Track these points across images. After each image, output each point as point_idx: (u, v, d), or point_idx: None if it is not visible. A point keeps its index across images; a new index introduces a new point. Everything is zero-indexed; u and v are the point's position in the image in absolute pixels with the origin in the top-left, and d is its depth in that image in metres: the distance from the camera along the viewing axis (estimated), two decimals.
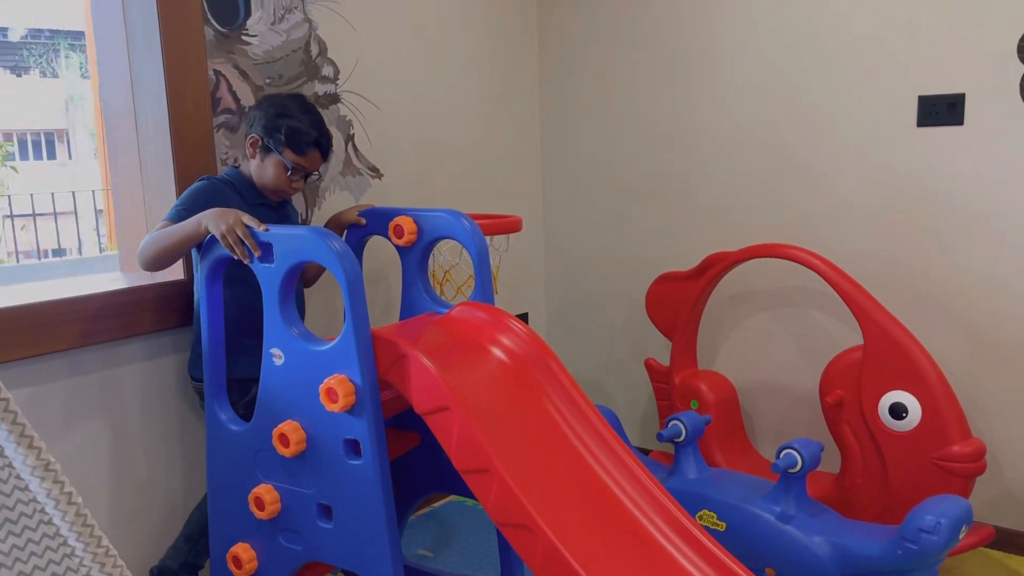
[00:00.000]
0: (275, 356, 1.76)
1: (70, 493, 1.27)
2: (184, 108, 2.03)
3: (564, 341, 3.24)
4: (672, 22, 2.79)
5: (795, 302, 2.69)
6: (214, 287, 1.86)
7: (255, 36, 2.22)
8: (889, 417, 2.26)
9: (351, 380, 1.66)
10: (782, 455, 2.09)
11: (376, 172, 2.58)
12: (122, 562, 1.33)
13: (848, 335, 2.49)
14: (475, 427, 1.59)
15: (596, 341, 3.16)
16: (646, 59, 2.86)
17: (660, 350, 2.86)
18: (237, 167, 2.04)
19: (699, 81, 2.77)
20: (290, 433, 1.73)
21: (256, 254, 1.73)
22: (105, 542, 1.32)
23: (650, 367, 2.78)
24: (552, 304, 3.27)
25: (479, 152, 2.94)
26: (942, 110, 2.38)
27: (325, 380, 1.67)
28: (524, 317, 3.20)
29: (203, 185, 1.94)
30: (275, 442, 1.75)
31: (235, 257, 1.75)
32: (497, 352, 1.87)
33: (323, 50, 2.40)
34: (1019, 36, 2.25)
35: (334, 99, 2.44)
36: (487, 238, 2.31)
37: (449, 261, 2.40)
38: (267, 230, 1.73)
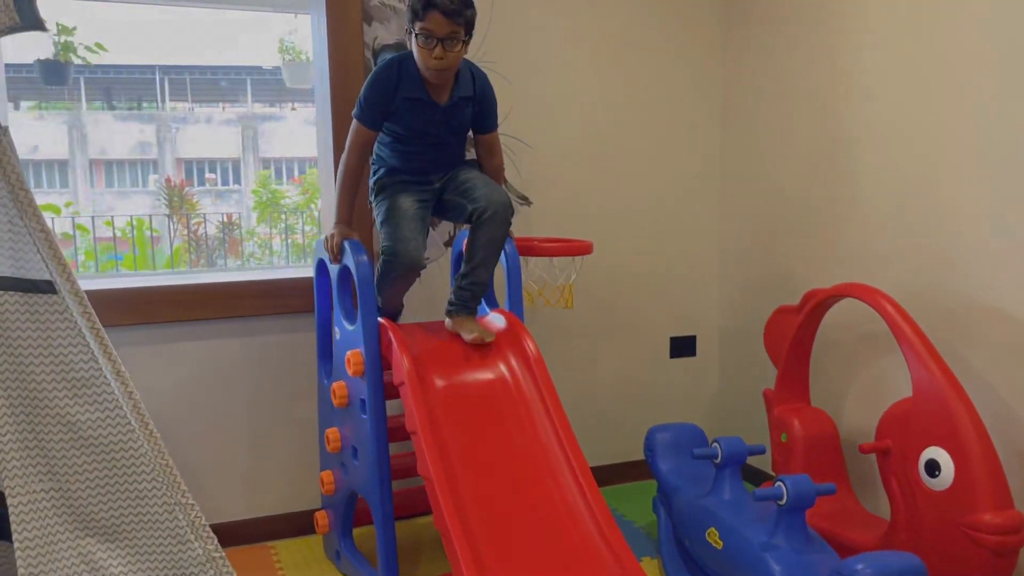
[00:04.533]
0: (336, 334, 2.41)
1: (132, 390, 2.07)
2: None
3: (733, 366, 3.37)
4: (832, 72, 2.82)
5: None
6: (323, 277, 2.56)
7: None
8: (925, 473, 2.15)
9: (361, 353, 2.23)
10: (774, 485, 2.16)
11: (525, 200, 3.07)
12: (161, 442, 2.09)
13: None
14: (417, 401, 2.07)
15: (763, 369, 3.22)
16: (814, 99, 2.92)
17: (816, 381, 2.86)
18: None
19: (852, 122, 2.74)
20: (337, 390, 2.36)
21: (336, 260, 2.38)
22: (153, 428, 2.09)
23: (765, 397, 2.84)
24: (726, 330, 3.41)
25: (650, 182, 3.26)
26: None
27: (347, 352, 2.27)
28: (691, 340, 3.41)
29: (377, 78, 2.29)
30: (331, 395, 2.39)
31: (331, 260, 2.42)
32: (499, 359, 2.30)
33: None
34: None
35: None
36: (562, 258, 2.70)
37: (542, 278, 2.81)
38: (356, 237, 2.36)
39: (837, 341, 2.81)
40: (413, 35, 2.20)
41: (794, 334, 2.66)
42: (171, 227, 4.51)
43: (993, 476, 2.03)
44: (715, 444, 2.43)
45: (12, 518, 1.96)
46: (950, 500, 2.08)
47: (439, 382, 2.19)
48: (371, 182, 2.49)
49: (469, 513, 1.93)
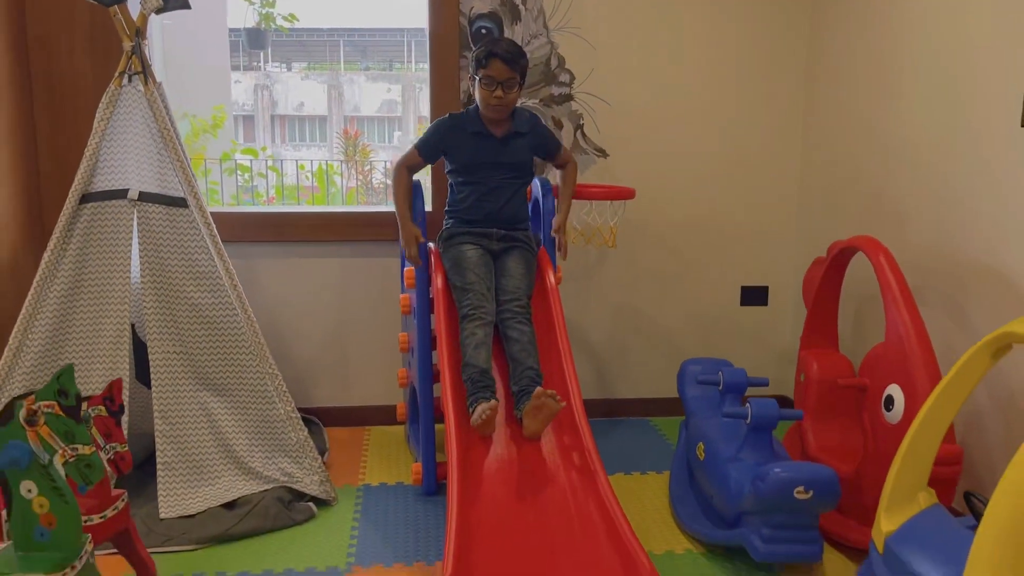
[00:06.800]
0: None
1: (236, 283, 2.72)
2: (442, 108, 3.26)
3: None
4: (896, 40, 2.94)
5: (971, 306, 2.66)
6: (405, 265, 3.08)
7: None
8: (883, 408, 2.34)
9: (414, 271, 2.76)
10: (744, 404, 2.45)
11: (602, 153, 3.43)
12: (256, 324, 2.73)
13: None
14: (442, 310, 2.58)
15: None
16: (901, 72, 3.05)
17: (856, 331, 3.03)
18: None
19: (924, 97, 2.86)
20: (403, 300, 2.90)
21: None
22: (251, 314, 2.74)
23: (800, 342, 3.05)
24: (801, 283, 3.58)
25: (728, 139, 3.49)
26: None
27: (405, 269, 2.81)
28: (763, 290, 3.62)
29: (440, 123, 2.79)
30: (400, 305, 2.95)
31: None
32: None
33: (561, 63, 3.36)
34: None
35: (567, 98, 3.39)
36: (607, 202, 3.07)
37: (586, 223, 3.17)
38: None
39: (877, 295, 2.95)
40: (477, 81, 2.67)
41: (819, 283, 2.86)
42: (345, 172, 5.29)
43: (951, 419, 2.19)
44: (719, 373, 2.72)
45: (152, 369, 2.67)
46: (900, 432, 2.26)
47: None
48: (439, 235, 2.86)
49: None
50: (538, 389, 2.39)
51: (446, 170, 2.86)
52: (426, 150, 2.82)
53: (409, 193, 2.82)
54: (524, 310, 2.64)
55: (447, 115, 2.83)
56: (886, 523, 1.73)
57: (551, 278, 2.72)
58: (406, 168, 2.83)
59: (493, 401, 2.43)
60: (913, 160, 2.80)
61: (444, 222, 2.87)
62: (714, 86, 3.45)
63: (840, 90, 3.25)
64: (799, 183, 3.56)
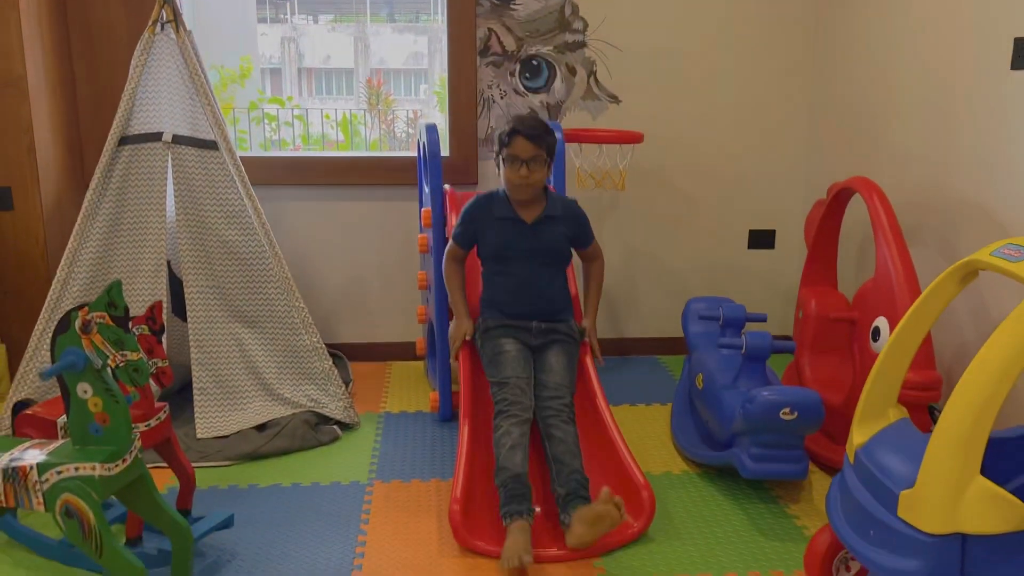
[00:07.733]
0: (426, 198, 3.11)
1: (264, 222, 2.90)
2: (458, 54, 3.40)
3: None
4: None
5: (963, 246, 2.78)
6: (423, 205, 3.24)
7: (520, 4, 3.44)
8: (871, 339, 2.48)
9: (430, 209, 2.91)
10: (741, 336, 2.60)
11: (614, 98, 3.55)
12: (283, 260, 2.91)
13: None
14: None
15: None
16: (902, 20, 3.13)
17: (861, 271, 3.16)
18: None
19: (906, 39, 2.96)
20: (421, 240, 3.06)
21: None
22: (278, 250, 2.92)
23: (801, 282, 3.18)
24: None
25: (737, 83, 3.59)
26: None
27: (423, 209, 2.97)
28: (771, 234, 3.74)
29: (471, 208, 2.65)
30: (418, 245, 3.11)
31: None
32: None
33: (575, 10, 3.47)
34: None
35: (581, 45, 3.49)
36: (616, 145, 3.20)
37: (596, 165, 3.30)
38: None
39: None
40: (501, 159, 2.56)
41: (818, 223, 2.98)
42: (368, 120, 5.43)
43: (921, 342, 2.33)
44: (719, 308, 2.86)
45: (187, 303, 2.86)
46: None
47: None
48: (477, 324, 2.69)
49: None
50: (605, 490, 2.07)
51: (479, 254, 2.71)
52: (463, 240, 2.69)
53: (462, 282, 2.72)
54: (567, 408, 2.41)
55: (475, 198, 2.68)
56: (857, 436, 1.88)
57: (593, 367, 2.69)
58: (453, 260, 2.72)
59: (526, 524, 2.11)
60: (912, 104, 2.90)
61: (480, 315, 2.69)
62: (724, 33, 3.54)
63: (846, 37, 3.33)
64: (807, 128, 3.65)
